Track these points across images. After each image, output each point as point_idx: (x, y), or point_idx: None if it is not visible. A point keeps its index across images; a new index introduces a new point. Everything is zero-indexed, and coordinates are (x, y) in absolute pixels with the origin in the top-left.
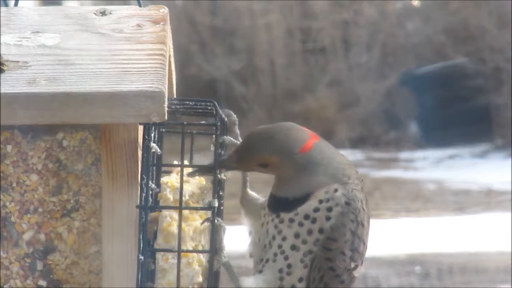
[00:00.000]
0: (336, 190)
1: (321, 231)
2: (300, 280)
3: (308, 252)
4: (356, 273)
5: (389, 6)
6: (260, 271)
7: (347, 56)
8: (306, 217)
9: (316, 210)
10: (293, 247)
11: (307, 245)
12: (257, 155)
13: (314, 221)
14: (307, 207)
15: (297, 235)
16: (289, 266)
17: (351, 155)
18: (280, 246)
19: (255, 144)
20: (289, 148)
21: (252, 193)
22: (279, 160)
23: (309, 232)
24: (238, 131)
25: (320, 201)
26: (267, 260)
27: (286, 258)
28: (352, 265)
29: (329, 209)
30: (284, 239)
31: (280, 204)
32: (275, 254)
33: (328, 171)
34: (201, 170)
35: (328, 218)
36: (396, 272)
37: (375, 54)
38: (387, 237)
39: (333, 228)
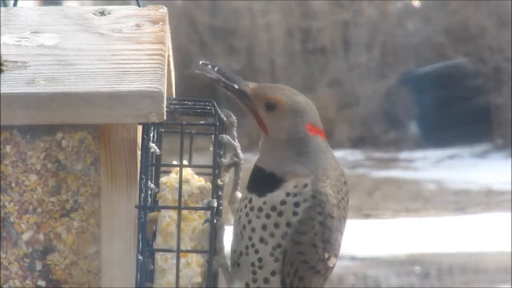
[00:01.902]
0: (305, 186)
1: (288, 225)
2: (273, 273)
3: (277, 246)
4: (330, 264)
5: (389, 6)
6: (238, 265)
7: (347, 56)
8: (273, 208)
9: (283, 203)
10: (262, 240)
11: (275, 238)
12: (275, 91)
13: (280, 214)
14: (275, 197)
15: (264, 227)
16: (260, 260)
17: (351, 155)
18: (250, 238)
19: (280, 86)
20: (304, 114)
21: (240, 197)
22: (288, 111)
23: (276, 225)
24: (235, 133)
25: (287, 194)
26: (241, 253)
27: (256, 251)
28: (326, 255)
29: (296, 204)
30: (253, 230)
31: (257, 179)
32: (247, 247)
33: (310, 166)
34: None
35: (295, 213)
36: (396, 272)
37: (375, 54)
38: (387, 237)
39: (301, 222)
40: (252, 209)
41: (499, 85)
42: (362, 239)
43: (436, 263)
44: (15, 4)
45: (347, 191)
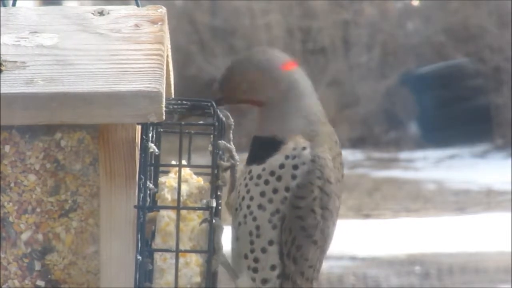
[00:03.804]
0: (304, 148)
1: (287, 189)
2: (271, 243)
3: (276, 212)
4: (329, 229)
5: (389, 6)
6: (237, 239)
7: (347, 56)
8: (272, 173)
9: (282, 166)
10: (260, 207)
11: (274, 204)
12: (240, 75)
13: (279, 179)
14: (274, 161)
15: (263, 194)
16: (257, 227)
17: (351, 155)
18: (248, 207)
19: (235, 67)
20: (270, 62)
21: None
22: (262, 75)
23: (275, 190)
24: (231, 136)
25: (287, 157)
26: (239, 224)
27: (254, 219)
28: (322, 222)
29: (295, 167)
30: (251, 198)
31: (256, 148)
32: (245, 216)
33: (303, 112)
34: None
35: (294, 177)
36: (396, 272)
37: (375, 54)
38: (387, 237)
39: (300, 186)
40: (251, 178)
41: (499, 85)
42: (362, 239)
43: (436, 263)
44: (14, 4)
45: (340, 153)
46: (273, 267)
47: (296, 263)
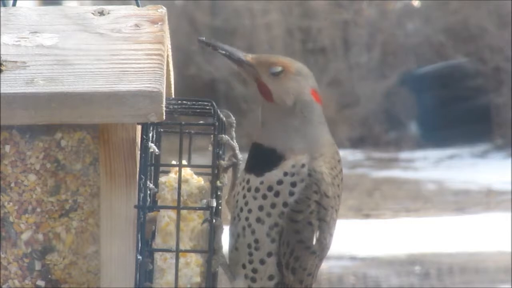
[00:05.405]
0: (303, 166)
1: (285, 205)
2: (269, 254)
3: (274, 225)
4: (327, 240)
5: (389, 6)
6: (236, 249)
7: (347, 56)
8: (270, 188)
9: (280, 182)
10: (258, 220)
11: (272, 218)
12: (278, 57)
13: (277, 194)
14: (272, 176)
15: (261, 208)
16: (256, 241)
17: (351, 155)
18: (247, 219)
19: (278, 55)
20: (308, 77)
21: None
22: (294, 74)
23: (273, 205)
24: (234, 134)
25: (285, 174)
26: (238, 235)
27: (253, 232)
28: (318, 234)
29: (293, 184)
30: (250, 211)
31: (255, 157)
32: (244, 228)
33: (309, 139)
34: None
35: (291, 193)
36: (396, 272)
37: (375, 54)
38: (387, 237)
39: (298, 202)
40: (249, 190)
41: (499, 85)
42: (362, 239)
43: (436, 263)
44: (14, 4)
45: (341, 170)
46: (271, 277)
47: (294, 273)
